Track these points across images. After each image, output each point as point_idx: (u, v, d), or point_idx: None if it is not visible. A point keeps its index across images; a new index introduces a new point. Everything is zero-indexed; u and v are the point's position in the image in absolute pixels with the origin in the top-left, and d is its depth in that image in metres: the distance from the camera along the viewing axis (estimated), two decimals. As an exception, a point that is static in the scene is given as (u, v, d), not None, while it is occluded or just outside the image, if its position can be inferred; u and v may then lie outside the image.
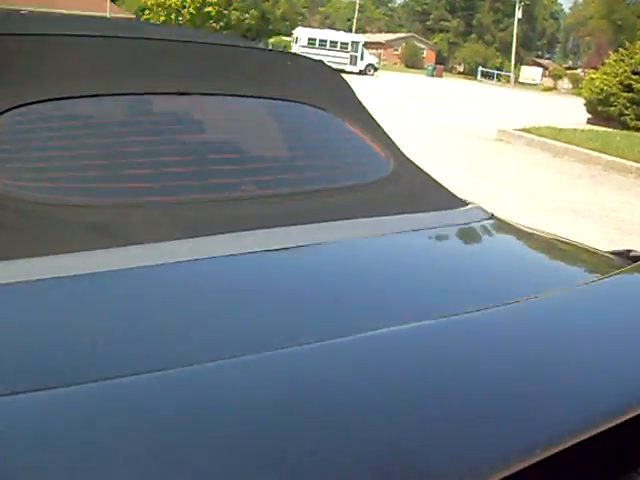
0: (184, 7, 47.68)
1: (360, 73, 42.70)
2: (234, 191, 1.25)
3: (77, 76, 1.23)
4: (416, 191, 1.46)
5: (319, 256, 1.19)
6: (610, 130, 13.93)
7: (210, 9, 48.58)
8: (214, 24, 51.01)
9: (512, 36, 55.34)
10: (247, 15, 51.45)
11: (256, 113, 1.47)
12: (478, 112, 18.16)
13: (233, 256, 1.06)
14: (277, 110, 1.49)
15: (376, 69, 44.96)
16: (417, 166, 1.54)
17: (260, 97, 1.42)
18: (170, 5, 47.80)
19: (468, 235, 1.43)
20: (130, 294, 0.96)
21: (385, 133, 1.59)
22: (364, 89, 26.34)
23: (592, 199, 7.27)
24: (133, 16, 36.15)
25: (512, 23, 56.26)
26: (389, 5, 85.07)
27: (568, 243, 1.50)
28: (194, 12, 47.88)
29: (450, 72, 62.77)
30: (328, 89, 1.56)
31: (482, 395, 0.79)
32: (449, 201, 1.47)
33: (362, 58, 44.37)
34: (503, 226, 1.50)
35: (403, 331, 0.86)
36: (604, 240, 5.30)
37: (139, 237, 1.04)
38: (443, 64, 61.55)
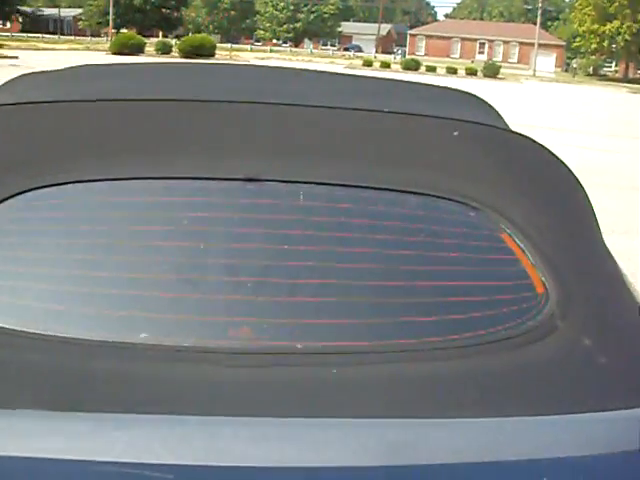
0: (619, 34, 46.22)
1: None
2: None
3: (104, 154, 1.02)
4: (580, 360, 0.88)
5: None
6: None
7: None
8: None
9: None
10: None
11: (357, 217, 1.03)
12: None
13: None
14: (395, 211, 1.04)
15: None
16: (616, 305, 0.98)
17: (372, 188, 1.02)
18: (604, 32, 46.86)
19: None
20: None
21: (590, 245, 1.04)
22: None
23: None
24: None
25: None
26: None
27: None
28: (629, 38, 46.05)
29: None
30: (501, 176, 1.08)
31: None
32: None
33: None
34: None
35: None
36: None
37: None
38: None
